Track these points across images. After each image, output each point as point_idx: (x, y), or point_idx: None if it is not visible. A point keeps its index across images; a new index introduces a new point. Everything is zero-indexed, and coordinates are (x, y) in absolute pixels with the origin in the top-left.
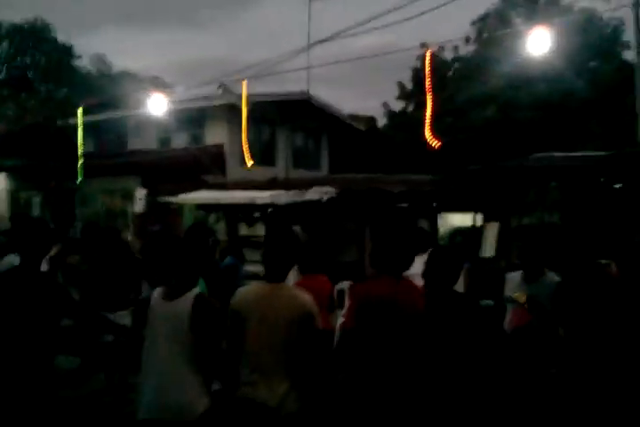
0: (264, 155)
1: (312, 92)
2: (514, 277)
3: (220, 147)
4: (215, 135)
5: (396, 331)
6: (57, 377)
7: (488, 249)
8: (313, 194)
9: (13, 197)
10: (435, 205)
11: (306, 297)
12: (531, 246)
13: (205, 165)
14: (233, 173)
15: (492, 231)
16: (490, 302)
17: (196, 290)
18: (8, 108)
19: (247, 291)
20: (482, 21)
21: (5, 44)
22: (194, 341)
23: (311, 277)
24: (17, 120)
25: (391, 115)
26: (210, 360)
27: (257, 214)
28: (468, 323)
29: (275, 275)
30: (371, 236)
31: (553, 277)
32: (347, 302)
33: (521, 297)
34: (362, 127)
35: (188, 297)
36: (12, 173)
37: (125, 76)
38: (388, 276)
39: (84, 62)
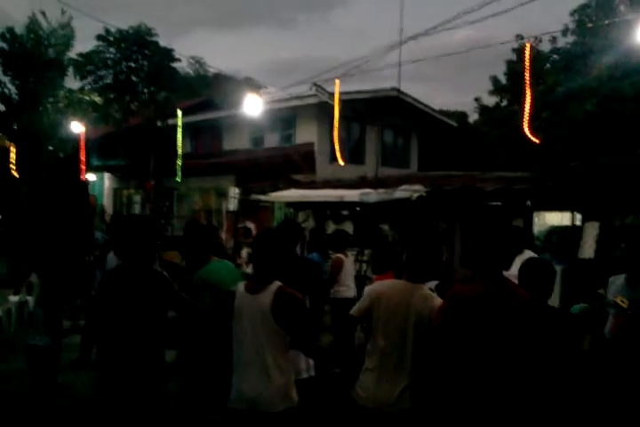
0: (353, 153)
1: (403, 89)
2: (617, 281)
3: (310, 145)
4: (305, 134)
5: (490, 333)
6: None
7: (587, 250)
8: (402, 192)
9: (116, 194)
10: (529, 203)
11: (437, 301)
12: (635, 248)
13: (296, 164)
14: (322, 171)
15: (591, 231)
16: (586, 305)
17: (278, 283)
18: (114, 111)
19: (387, 285)
20: (581, 11)
21: (113, 50)
22: (279, 333)
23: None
24: (121, 122)
25: (484, 110)
26: (303, 350)
27: (345, 212)
28: (554, 337)
29: (416, 275)
30: (464, 235)
31: None
32: (436, 303)
33: (622, 302)
34: (453, 123)
35: (269, 290)
36: (115, 171)
37: (221, 77)
38: (484, 277)
39: (182, 65)
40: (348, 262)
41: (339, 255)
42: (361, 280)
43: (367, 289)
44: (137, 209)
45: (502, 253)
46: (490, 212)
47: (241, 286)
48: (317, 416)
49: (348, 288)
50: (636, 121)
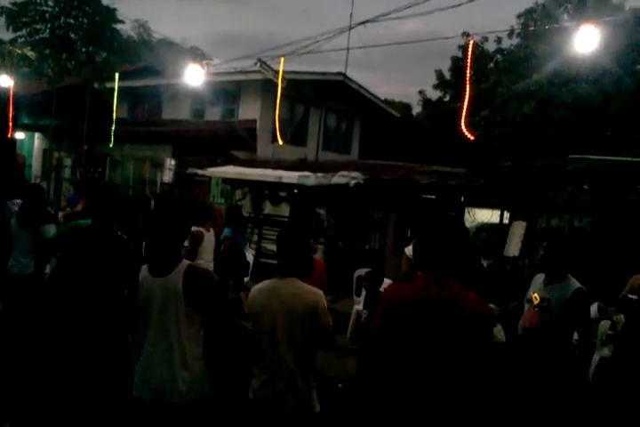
0: (295, 134)
1: (350, 75)
2: (538, 279)
3: (252, 122)
4: (249, 111)
5: (431, 334)
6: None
7: (512, 248)
8: (340, 178)
9: (46, 155)
10: (462, 199)
11: (311, 294)
12: (554, 249)
13: (237, 140)
14: (263, 150)
15: (518, 230)
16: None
17: (186, 262)
18: (48, 67)
19: (258, 287)
20: (528, 15)
21: (51, 3)
22: (191, 315)
23: None
24: (55, 80)
25: (427, 103)
26: (215, 332)
27: (283, 194)
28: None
29: (286, 269)
30: (398, 225)
31: (574, 283)
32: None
33: (536, 298)
34: (396, 113)
35: (179, 270)
36: (46, 132)
37: (165, 44)
38: (430, 274)
39: (125, 27)
40: (209, 237)
41: (199, 229)
42: None
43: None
44: (67, 173)
45: (456, 249)
46: (425, 204)
47: (144, 269)
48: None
49: (205, 262)
50: (570, 127)
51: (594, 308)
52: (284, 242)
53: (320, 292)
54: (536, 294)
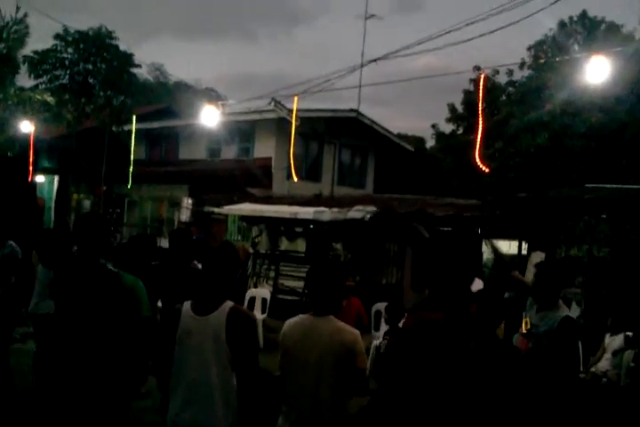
0: (310, 170)
1: (363, 111)
2: (532, 304)
3: (267, 160)
4: (263, 149)
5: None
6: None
7: (531, 279)
8: (356, 212)
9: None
10: (479, 230)
11: (348, 333)
12: (543, 276)
13: (252, 178)
14: (279, 186)
15: (537, 261)
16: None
17: (230, 303)
18: (67, 112)
19: (292, 323)
20: (538, 47)
21: (70, 50)
22: (231, 355)
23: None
24: (74, 124)
25: (440, 137)
26: (244, 374)
27: (298, 229)
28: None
29: (321, 307)
30: (415, 258)
31: (563, 311)
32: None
33: (526, 324)
34: (410, 147)
35: (222, 310)
36: (65, 174)
37: (181, 86)
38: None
39: (142, 71)
40: None
41: None
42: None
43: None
44: None
45: (462, 277)
46: (441, 236)
47: (187, 306)
48: None
49: None
50: (585, 156)
51: (619, 338)
52: (317, 279)
53: (357, 332)
54: (527, 320)
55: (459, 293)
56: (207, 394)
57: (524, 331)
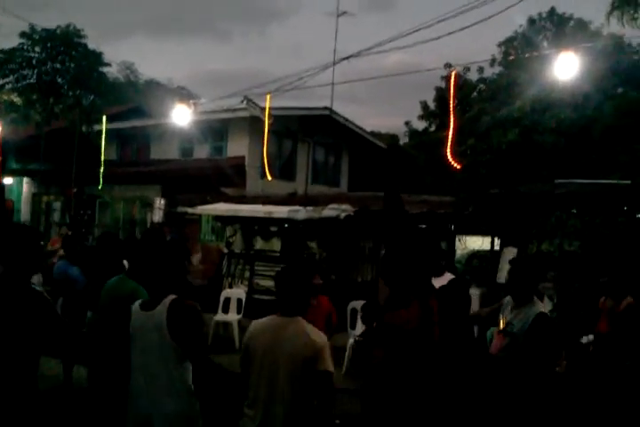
0: (284, 169)
1: (336, 109)
2: (509, 302)
3: (240, 159)
4: (236, 148)
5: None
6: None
7: (504, 275)
8: (330, 211)
9: (35, 200)
10: (452, 227)
11: (314, 336)
12: (517, 272)
13: (226, 177)
14: (253, 186)
15: (509, 256)
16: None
17: (172, 296)
18: (35, 113)
19: (259, 323)
20: (508, 43)
21: (38, 49)
22: (177, 347)
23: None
24: (43, 124)
25: (413, 134)
26: (195, 365)
27: (273, 229)
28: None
29: (288, 308)
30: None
31: (537, 307)
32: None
33: (502, 323)
34: (383, 145)
35: (164, 303)
36: (35, 176)
37: (152, 85)
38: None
39: (112, 70)
40: None
41: None
42: None
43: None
44: (56, 216)
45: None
46: (414, 233)
47: (137, 304)
48: None
49: None
50: (555, 152)
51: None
52: (284, 280)
53: (324, 336)
54: (502, 319)
55: (417, 287)
56: (157, 387)
57: (500, 328)
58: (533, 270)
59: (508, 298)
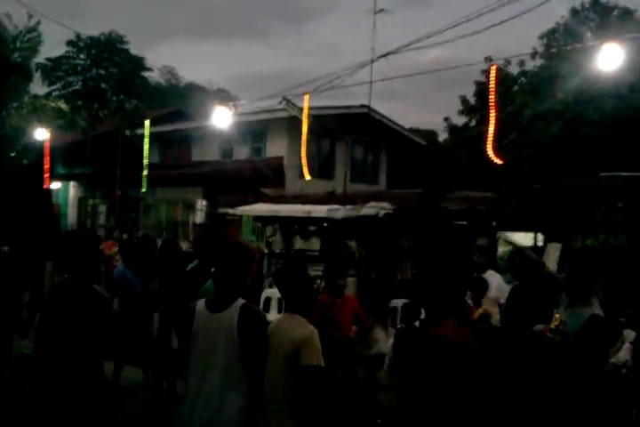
0: (322, 168)
1: (374, 106)
2: (564, 300)
3: (279, 159)
4: (275, 148)
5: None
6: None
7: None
8: (369, 209)
9: (81, 203)
10: (494, 223)
11: (296, 330)
12: (575, 270)
13: (265, 178)
14: (292, 185)
15: (553, 252)
16: (543, 325)
17: (242, 300)
18: (81, 118)
19: (273, 321)
20: (550, 35)
21: (83, 56)
22: (242, 352)
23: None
24: (88, 130)
25: (453, 129)
26: (253, 374)
27: (312, 228)
28: (543, 366)
29: (290, 305)
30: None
31: (593, 308)
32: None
33: (555, 320)
34: (422, 141)
35: (234, 307)
36: (81, 180)
37: (193, 88)
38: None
39: (154, 74)
40: None
41: None
42: None
43: None
44: (101, 219)
45: (454, 293)
46: (455, 231)
47: (201, 304)
48: None
49: None
50: (599, 145)
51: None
52: (281, 279)
53: (311, 328)
54: (557, 316)
55: (453, 302)
56: (218, 391)
57: (552, 326)
58: (592, 267)
59: (563, 297)
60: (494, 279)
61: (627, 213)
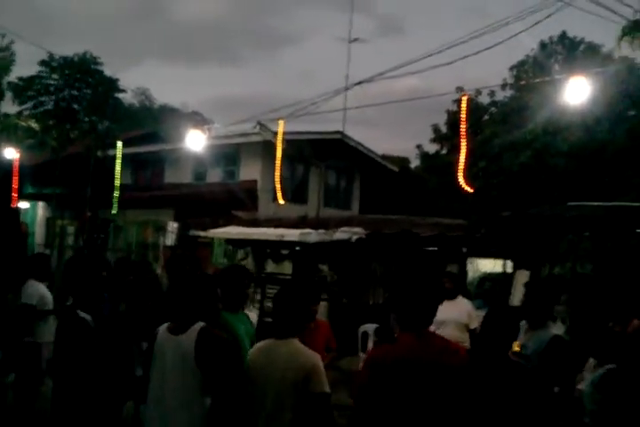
0: (296, 193)
1: (348, 133)
2: (523, 326)
3: (253, 183)
4: (249, 172)
5: (423, 391)
6: None
7: (518, 297)
8: (342, 234)
9: (50, 224)
10: (464, 250)
11: (304, 357)
12: (532, 296)
13: (238, 201)
14: (264, 209)
15: (522, 279)
16: None
17: (201, 323)
18: (51, 138)
19: (257, 347)
20: (520, 67)
21: (55, 76)
22: (201, 376)
23: None
24: (59, 150)
25: (425, 157)
26: (217, 396)
27: (285, 252)
28: (516, 389)
29: (282, 330)
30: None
31: (552, 330)
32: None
33: (515, 346)
34: (395, 168)
35: (192, 330)
36: (50, 200)
37: (166, 110)
38: (409, 333)
39: (127, 96)
40: None
41: None
42: None
43: None
44: (70, 240)
45: (428, 306)
46: (426, 257)
47: (164, 326)
48: None
49: None
50: (567, 175)
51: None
52: (278, 302)
53: (317, 355)
54: (518, 342)
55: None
56: (173, 414)
57: (514, 350)
58: (548, 294)
59: (523, 322)
60: (464, 305)
61: (593, 242)
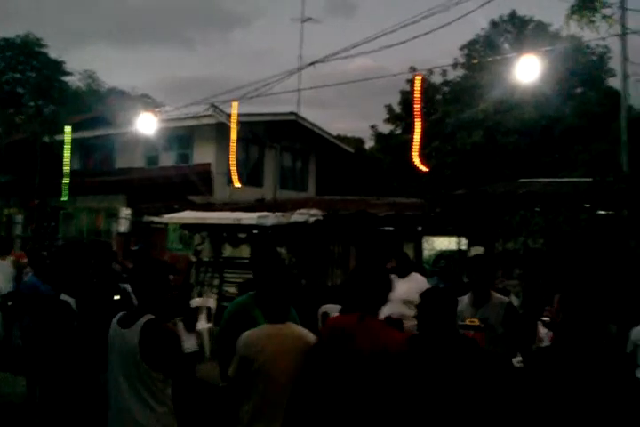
0: (251, 175)
1: (302, 114)
2: (462, 301)
3: (207, 166)
4: (203, 155)
5: (351, 372)
6: None
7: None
8: (299, 216)
9: None
10: (420, 228)
11: (310, 336)
12: (477, 272)
13: (192, 185)
14: (220, 193)
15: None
16: None
17: (149, 316)
18: None
19: (253, 334)
20: (471, 46)
21: None
22: (149, 368)
23: None
24: (4, 136)
25: (379, 137)
26: (178, 387)
27: (242, 235)
28: (466, 366)
29: (278, 315)
30: (359, 259)
31: (500, 298)
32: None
33: (472, 322)
34: (350, 149)
35: (138, 324)
36: None
37: (115, 93)
38: (353, 314)
39: (74, 79)
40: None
41: None
42: None
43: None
44: (19, 229)
45: (375, 293)
46: (382, 236)
47: (116, 318)
48: None
49: None
50: (518, 152)
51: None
52: (271, 288)
53: (312, 335)
54: (470, 319)
55: (372, 295)
56: (126, 405)
57: (467, 323)
58: (488, 267)
59: (460, 298)
60: (416, 283)
61: (544, 217)
